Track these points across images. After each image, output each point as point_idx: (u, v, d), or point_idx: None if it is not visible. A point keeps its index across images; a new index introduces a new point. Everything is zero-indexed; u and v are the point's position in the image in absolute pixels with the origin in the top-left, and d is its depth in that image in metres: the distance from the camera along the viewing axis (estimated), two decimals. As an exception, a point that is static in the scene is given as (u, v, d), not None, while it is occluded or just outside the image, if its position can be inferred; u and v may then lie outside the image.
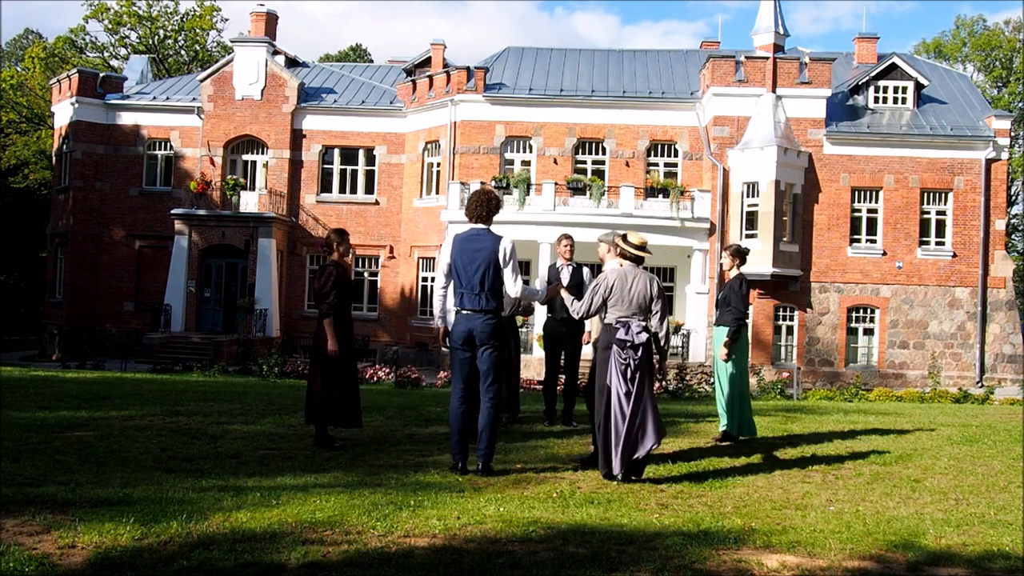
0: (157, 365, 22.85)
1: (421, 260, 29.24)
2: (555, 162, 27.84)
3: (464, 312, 6.10)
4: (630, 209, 25.31)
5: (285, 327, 29.55)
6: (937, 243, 26.60)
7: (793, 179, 25.76)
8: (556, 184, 25.81)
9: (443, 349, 21.68)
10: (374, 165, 30.43)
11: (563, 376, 9.09)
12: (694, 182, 27.13)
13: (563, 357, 8.96)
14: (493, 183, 26.07)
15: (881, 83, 27.90)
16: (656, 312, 6.20)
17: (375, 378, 17.69)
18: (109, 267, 30.94)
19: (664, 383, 15.91)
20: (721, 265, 18.71)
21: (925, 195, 26.58)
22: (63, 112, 31.60)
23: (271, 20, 32.65)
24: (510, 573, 3.82)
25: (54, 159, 33.81)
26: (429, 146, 29.37)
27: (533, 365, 21.66)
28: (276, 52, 32.03)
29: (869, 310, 26.46)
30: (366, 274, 30.31)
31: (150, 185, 31.24)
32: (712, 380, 11.20)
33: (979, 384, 24.74)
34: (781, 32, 26.69)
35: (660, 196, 26.09)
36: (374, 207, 30.22)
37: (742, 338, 8.16)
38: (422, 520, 4.64)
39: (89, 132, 30.86)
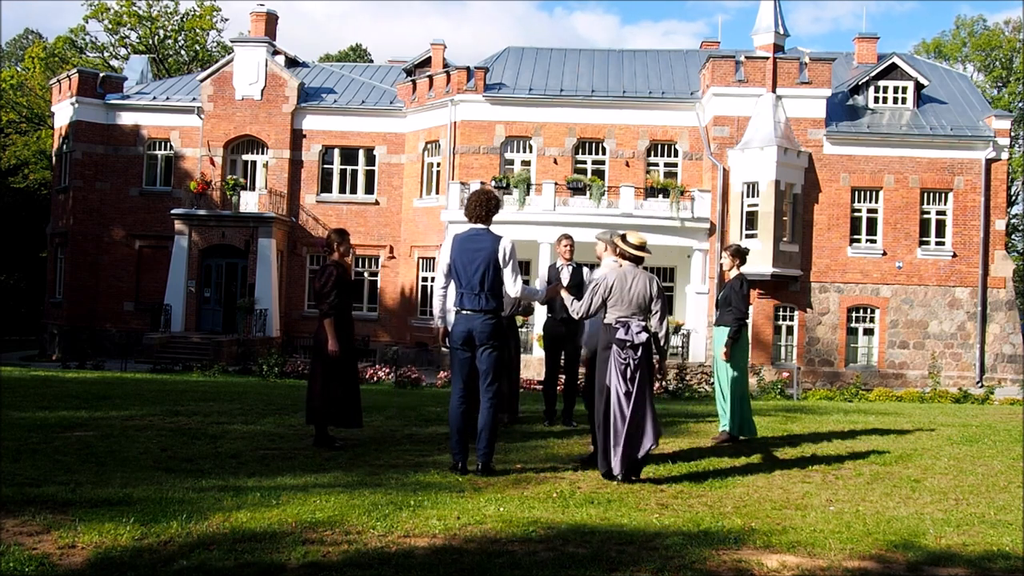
0: (157, 365, 22.85)
1: (421, 260, 29.24)
2: (555, 162, 27.84)
3: (464, 312, 6.10)
4: (630, 209, 25.32)
5: (285, 327, 29.56)
6: (937, 243, 26.60)
7: (793, 179, 25.76)
8: (556, 184, 25.81)
9: (443, 349, 21.67)
10: (374, 165, 30.43)
11: (563, 376, 9.09)
12: (694, 182, 27.13)
13: (563, 357, 8.96)
14: (493, 183, 26.07)
15: (881, 83, 27.90)
16: (656, 312, 6.20)
17: (375, 378, 17.70)
18: (109, 267, 30.94)
19: (664, 383, 15.91)
20: (721, 265, 18.70)
21: (925, 195, 26.59)
22: (63, 112, 31.60)
23: (271, 20, 32.66)
24: (510, 573, 3.82)
25: (54, 159, 33.82)
26: (429, 146, 29.37)
27: (533, 365, 21.66)
28: (276, 52, 32.03)
29: (869, 310, 26.46)
30: (366, 274, 30.31)
31: (150, 185, 31.24)
32: (712, 380, 11.19)
33: (979, 384, 24.74)
34: (781, 32, 26.69)
35: (660, 196, 26.10)
36: (374, 207, 30.22)
37: (742, 338, 8.16)
38: (422, 520, 4.64)
39: (89, 132, 30.87)
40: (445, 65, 30.57)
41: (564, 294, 6.75)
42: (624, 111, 27.89)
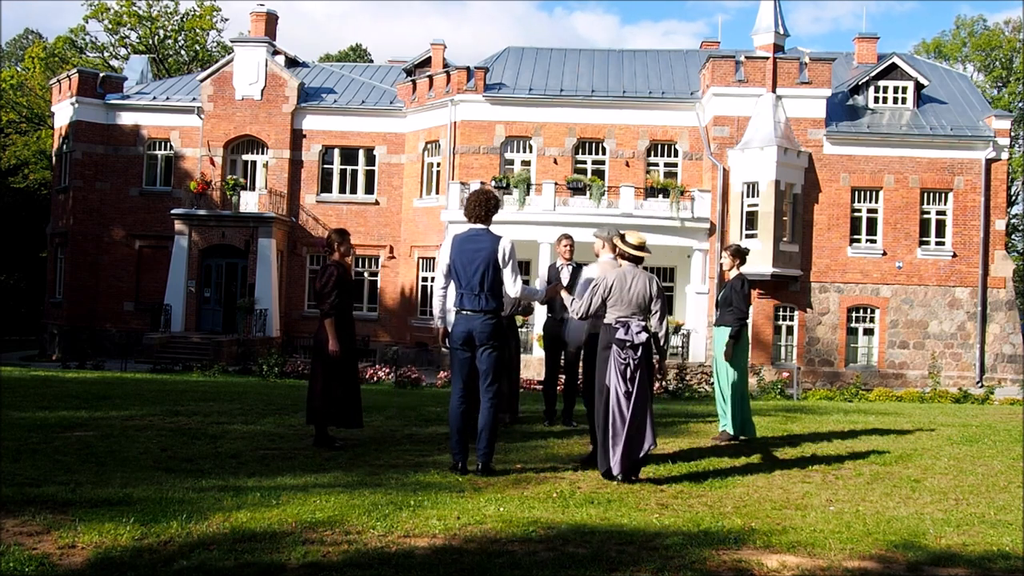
0: (157, 365, 22.85)
1: (421, 260, 29.25)
2: (555, 162, 27.84)
3: (464, 312, 6.10)
4: (630, 209, 25.32)
5: (285, 327, 29.56)
6: (937, 243, 26.60)
7: (793, 179, 25.76)
8: (556, 184, 25.81)
9: (443, 349, 21.67)
10: (374, 165, 30.43)
11: (563, 376, 9.09)
12: (694, 182, 27.13)
13: (563, 357, 8.96)
14: (493, 183, 26.07)
15: (881, 83, 27.90)
16: (655, 312, 6.19)
17: (375, 378, 17.71)
18: (109, 267, 30.95)
19: (664, 383, 15.92)
20: (721, 265, 18.73)
21: (925, 195, 26.59)
22: (63, 112, 31.60)
23: (271, 20, 32.66)
24: (510, 573, 3.82)
25: (54, 159, 33.81)
26: (429, 146, 29.37)
27: (533, 365, 21.66)
28: (276, 52, 32.03)
29: (869, 310, 26.46)
30: (366, 274, 30.32)
31: (150, 185, 31.24)
32: (712, 380, 11.20)
33: (979, 384, 24.74)
34: (781, 32, 26.69)
35: (660, 196, 26.10)
36: (374, 207, 30.22)
37: (743, 338, 8.16)
38: (422, 520, 4.64)
39: (89, 132, 30.87)
40: (445, 65, 30.57)
41: (564, 294, 6.75)
42: (624, 111, 27.89)
